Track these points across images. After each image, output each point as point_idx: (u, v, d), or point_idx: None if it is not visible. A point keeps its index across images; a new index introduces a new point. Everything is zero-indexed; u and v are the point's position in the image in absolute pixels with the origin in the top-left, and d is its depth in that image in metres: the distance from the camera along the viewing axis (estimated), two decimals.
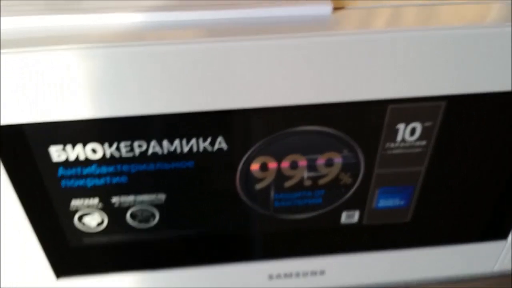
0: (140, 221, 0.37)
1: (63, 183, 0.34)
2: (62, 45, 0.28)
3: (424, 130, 0.33)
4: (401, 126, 0.33)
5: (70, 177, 0.34)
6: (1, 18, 0.28)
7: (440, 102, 0.32)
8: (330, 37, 0.28)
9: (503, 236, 0.42)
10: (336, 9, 0.30)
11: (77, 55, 0.28)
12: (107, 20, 0.29)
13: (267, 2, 0.29)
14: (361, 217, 0.38)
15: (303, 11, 0.29)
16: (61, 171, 0.33)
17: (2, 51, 0.27)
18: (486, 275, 0.45)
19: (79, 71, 0.28)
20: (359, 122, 0.32)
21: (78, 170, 0.33)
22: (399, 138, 0.33)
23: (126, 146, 0.32)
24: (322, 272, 0.43)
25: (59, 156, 0.32)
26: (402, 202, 0.37)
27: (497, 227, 0.41)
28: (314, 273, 0.43)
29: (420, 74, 0.30)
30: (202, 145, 0.33)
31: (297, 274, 0.43)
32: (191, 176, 0.34)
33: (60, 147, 0.32)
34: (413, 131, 0.33)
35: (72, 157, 0.32)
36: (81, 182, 0.34)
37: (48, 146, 0.32)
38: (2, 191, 0.33)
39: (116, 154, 0.33)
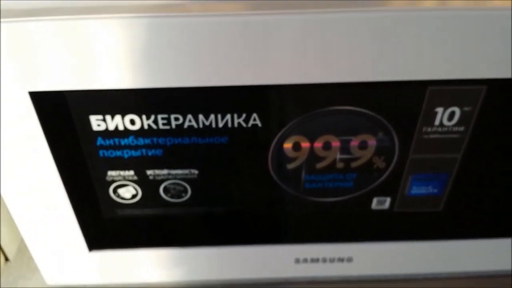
0: (173, 196, 0.37)
1: (101, 153, 0.35)
2: (105, 14, 0.28)
3: (463, 115, 0.32)
4: (439, 110, 0.32)
5: (108, 147, 0.34)
6: None
7: (480, 86, 0.31)
8: (370, 13, 0.28)
9: None
10: None
11: (119, 24, 0.28)
12: None
13: None
14: (392, 203, 0.38)
15: None
16: (99, 140, 0.34)
17: (49, 18, 0.28)
18: (505, 272, 0.44)
19: (121, 41, 0.29)
20: (396, 104, 0.32)
21: (116, 140, 0.34)
22: (436, 122, 0.33)
23: (163, 119, 0.33)
24: (350, 260, 0.42)
25: (98, 125, 0.33)
26: (435, 190, 0.37)
27: None
28: (341, 260, 0.42)
29: (462, 57, 0.30)
30: (236, 121, 0.33)
31: (324, 260, 0.42)
32: (224, 152, 0.35)
33: (100, 116, 0.33)
34: (451, 116, 0.32)
35: (111, 127, 0.33)
36: (118, 153, 0.35)
37: (88, 114, 0.33)
38: (42, 158, 0.34)
39: (154, 126, 0.33)
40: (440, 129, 0.33)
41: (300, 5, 0.28)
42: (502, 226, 0.40)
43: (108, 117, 0.33)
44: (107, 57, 0.30)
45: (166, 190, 0.37)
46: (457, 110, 0.32)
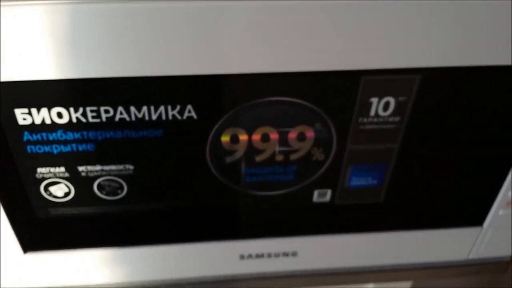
0: (108, 193, 0.36)
1: (29, 148, 0.33)
2: (26, 0, 0.27)
3: (398, 105, 0.32)
4: (374, 100, 0.32)
5: (36, 142, 0.33)
6: None
7: (414, 75, 0.31)
8: (303, 1, 0.28)
9: (478, 222, 0.42)
10: None
11: (42, 11, 0.27)
12: None
13: None
14: (333, 196, 0.38)
15: None
16: (26, 135, 0.32)
17: None
18: (461, 262, 0.45)
19: (44, 29, 0.27)
20: (332, 94, 0.32)
21: (44, 135, 0.32)
22: (372, 112, 0.33)
23: (92, 111, 0.31)
24: (295, 254, 0.42)
25: (24, 119, 0.31)
26: (375, 182, 0.37)
27: (472, 213, 0.41)
28: (286, 254, 0.42)
29: (394, 45, 0.30)
30: (170, 113, 0.32)
31: (269, 255, 0.42)
32: (160, 146, 0.33)
33: (25, 110, 0.31)
34: (386, 106, 0.32)
35: (37, 121, 0.32)
36: (47, 149, 0.33)
37: (13, 108, 0.31)
38: None
39: (83, 120, 0.32)
40: (376, 119, 0.33)
41: None
42: (443, 217, 0.41)
43: (34, 110, 0.31)
44: (29, 46, 0.28)
45: (100, 187, 0.36)
46: (392, 100, 0.32)
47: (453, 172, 0.37)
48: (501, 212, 0.40)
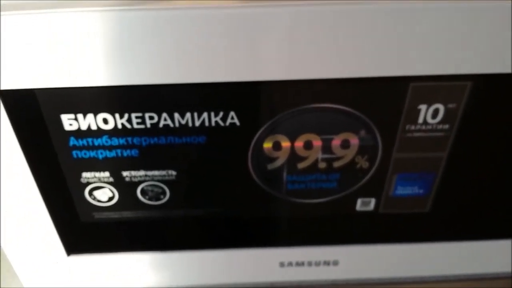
0: (151, 198, 0.36)
1: (74, 153, 0.34)
2: (75, 7, 0.27)
3: (447, 112, 0.31)
4: (423, 107, 0.31)
5: (82, 147, 0.33)
6: None
7: (465, 82, 0.30)
8: (350, 6, 0.27)
9: None
10: None
11: (90, 18, 0.27)
12: None
13: None
14: (377, 205, 0.37)
15: None
16: (72, 141, 0.33)
17: (11, 12, 0.27)
18: (507, 274, 0.43)
19: (91, 36, 0.28)
20: (378, 101, 0.31)
21: (90, 140, 0.33)
22: (420, 120, 0.32)
23: (137, 118, 0.32)
24: (336, 263, 0.41)
25: (70, 124, 0.32)
26: (421, 191, 0.36)
27: None
28: (327, 263, 0.41)
29: (445, 51, 0.29)
30: (213, 119, 0.32)
31: (310, 263, 0.41)
32: (202, 152, 0.33)
33: (71, 115, 0.32)
34: (435, 113, 0.31)
35: (83, 127, 0.32)
36: (92, 154, 0.34)
37: (59, 113, 0.31)
38: (14, 160, 0.33)
39: (127, 126, 0.32)
40: (424, 127, 0.32)
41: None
42: (493, 228, 0.39)
43: (80, 116, 0.32)
44: (77, 54, 0.29)
45: (143, 192, 0.36)
46: (441, 107, 0.31)
47: (502, 182, 0.36)
48: None
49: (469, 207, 0.37)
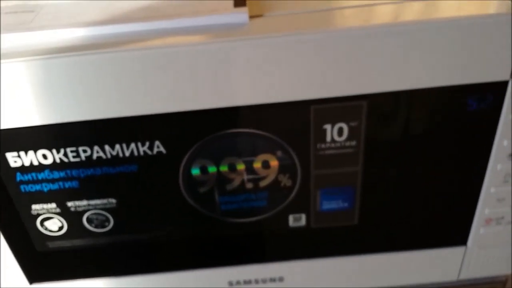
0: (96, 226, 0.39)
1: (22, 187, 0.37)
2: (10, 58, 0.31)
3: (351, 130, 0.34)
4: (328, 127, 0.34)
5: (28, 182, 0.37)
6: None
7: (361, 101, 0.33)
8: (248, 41, 0.31)
9: (462, 241, 0.42)
10: (253, 17, 0.32)
11: (17, 67, 0.31)
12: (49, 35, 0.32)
13: (186, 13, 0.32)
14: (308, 220, 0.39)
15: (221, 20, 0.32)
16: (19, 176, 0.36)
17: None
18: (451, 283, 0.44)
19: (21, 83, 0.31)
20: (288, 124, 0.34)
21: (34, 175, 0.36)
22: (328, 138, 0.35)
23: (72, 152, 0.35)
24: (281, 279, 0.43)
25: (15, 162, 0.35)
26: (345, 204, 0.38)
27: (454, 232, 0.41)
28: (273, 280, 0.43)
29: (339, 74, 0.32)
30: (141, 149, 0.35)
31: (257, 281, 0.44)
32: (137, 180, 0.36)
33: (15, 153, 0.35)
34: (340, 131, 0.34)
35: (26, 163, 0.35)
36: (37, 187, 0.37)
37: (4, 152, 0.35)
38: None
39: (65, 159, 0.35)
40: (333, 144, 0.35)
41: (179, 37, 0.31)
42: (424, 237, 0.41)
43: (22, 153, 0.35)
44: (13, 98, 0.32)
45: (89, 220, 0.39)
46: (344, 126, 0.34)
47: (423, 191, 0.38)
48: (482, 230, 0.40)
49: (395, 217, 0.40)
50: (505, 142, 0.35)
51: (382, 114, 0.34)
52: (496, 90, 0.32)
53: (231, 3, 0.33)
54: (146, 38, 0.31)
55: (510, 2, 0.31)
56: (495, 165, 0.36)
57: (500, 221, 0.40)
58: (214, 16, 0.32)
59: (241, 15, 0.32)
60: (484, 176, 0.37)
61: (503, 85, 0.32)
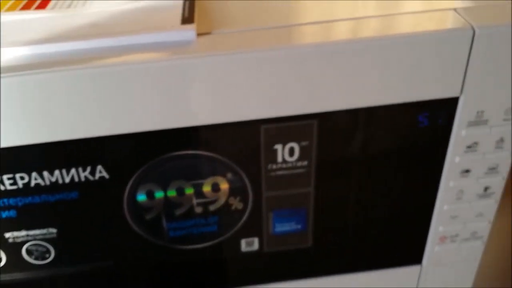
0: (37, 258, 0.37)
1: None
2: None
3: (303, 149, 0.33)
4: (278, 147, 0.33)
5: None
6: None
7: (311, 120, 0.32)
8: (193, 59, 0.29)
9: (417, 260, 0.41)
10: (201, 34, 0.31)
11: None
12: None
13: (131, 30, 0.31)
14: (261, 244, 0.38)
15: (167, 38, 0.30)
16: None
17: None
18: None
19: None
20: (237, 145, 0.33)
21: None
22: (279, 159, 0.34)
23: (9, 179, 0.33)
24: None
25: None
26: (299, 226, 0.37)
27: (408, 251, 0.41)
28: None
29: (289, 93, 0.31)
30: (82, 174, 0.33)
31: None
32: (78, 208, 0.34)
33: None
34: (292, 151, 0.33)
35: None
36: None
37: None
38: None
39: (1, 187, 0.33)
40: (284, 165, 0.34)
41: (121, 57, 0.29)
42: (380, 257, 0.41)
43: None
44: None
45: (29, 252, 0.36)
46: (295, 146, 0.33)
47: (377, 210, 0.38)
48: (436, 248, 0.40)
49: (350, 238, 0.39)
50: (457, 159, 0.35)
51: (334, 133, 0.33)
52: (446, 106, 0.32)
53: (179, 19, 0.32)
54: (85, 57, 0.30)
55: (463, 19, 0.31)
56: (447, 182, 0.36)
57: (455, 238, 0.40)
58: (160, 33, 0.30)
59: (188, 32, 0.30)
60: (437, 193, 0.37)
61: (453, 102, 0.32)
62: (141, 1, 0.34)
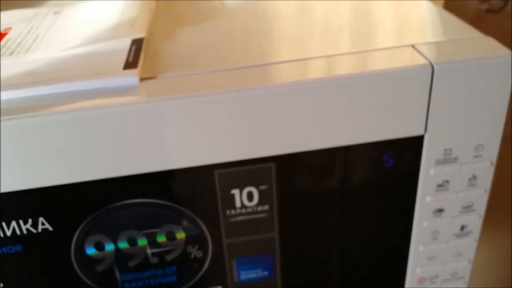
0: None
1: None
2: None
3: (262, 193, 0.31)
4: (235, 192, 0.31)
5: None
6: None
7: (268, 163, 0.30)
8: (134, 105, 0.27)
9: None
10: (145, 79, 0.29)
11: None
12: None
13: (72, 76, 0.28)
14: None
15: (108, 83, 0.28)
16: None
17: None
18: None
19: None
20: (191, 191, 0.30)
21: None
22: (237, 204, 0.31)
23: None
24: None
25: None
26: (266, 273, 0.35)
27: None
28: None
29: (243, 137, 0.29)
30: (24, 227, 0.30)
31: None
32: (24, 262, 0.32)
33: None
34: (250, 196, 0.31)
35: None
36: None
37: None
38: None
39: None
40: (244, 210, 0.31)
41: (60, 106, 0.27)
42: None
43: None
44: None
45: None
46: (254, 190, 0.31)
47: (350, 252, 0.35)
48: None
49: (323, 282, 0.36)
50: (428, 198, 0.32)
51: (295, 175, 0.31)
52: (412, 145, 0.30)
53: (123, 64, 0.30)
54: (21, 104, 0.28)
55: (421, 55, 0.29)
56: (421, 223, 0.34)
57: (435, 280, 0.37)
58: (99, 80, 0.28)
59: (130, 78, 0.28)
60: (411, 234, 0.34)
61: (418, 140, 0.30)
62: (90, 45, 0.32)
